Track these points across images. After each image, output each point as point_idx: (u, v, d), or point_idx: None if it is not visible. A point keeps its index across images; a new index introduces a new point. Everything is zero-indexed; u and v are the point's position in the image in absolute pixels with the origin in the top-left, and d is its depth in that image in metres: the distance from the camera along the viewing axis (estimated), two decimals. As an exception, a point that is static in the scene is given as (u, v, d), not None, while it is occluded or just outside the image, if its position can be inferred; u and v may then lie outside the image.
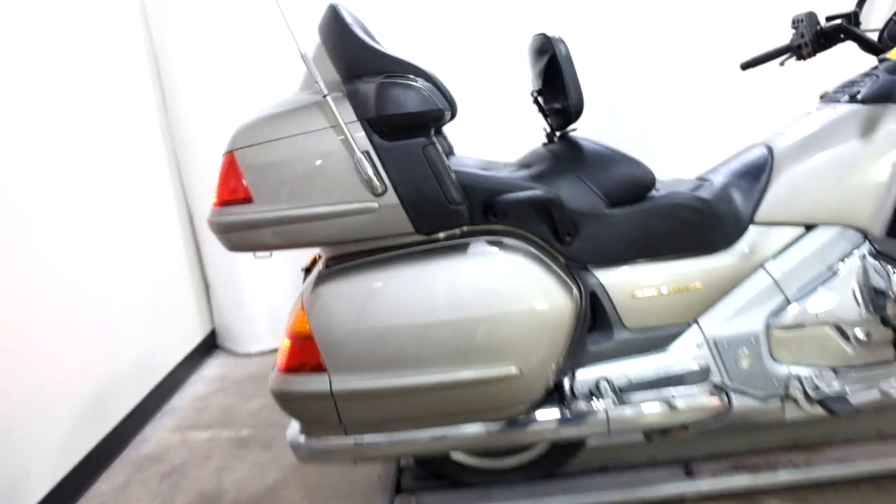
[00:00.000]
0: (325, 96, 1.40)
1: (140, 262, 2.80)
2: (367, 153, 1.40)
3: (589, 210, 1.56)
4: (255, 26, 2.98)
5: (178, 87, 3.06)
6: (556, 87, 1.61)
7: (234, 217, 1.45)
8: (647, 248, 1.58)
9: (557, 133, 1.77)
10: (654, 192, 1.63)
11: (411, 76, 1.44)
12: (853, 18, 1.76)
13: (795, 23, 1.77)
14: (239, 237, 1.46)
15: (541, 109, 1.79)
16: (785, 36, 1.91)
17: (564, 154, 1.66)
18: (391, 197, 1.42)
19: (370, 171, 1.39)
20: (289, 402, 1.55)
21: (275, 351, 3.30)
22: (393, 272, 1.48)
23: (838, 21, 1.73)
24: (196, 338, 3.27)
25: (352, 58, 1.47)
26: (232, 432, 2.55)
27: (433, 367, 1.46)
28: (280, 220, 1.44)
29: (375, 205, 1.42)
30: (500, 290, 1.45)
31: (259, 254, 1.54)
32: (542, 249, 1.56)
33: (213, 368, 3.25)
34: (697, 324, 1.61)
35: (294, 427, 1.67)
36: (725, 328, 1.59)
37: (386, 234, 1.47)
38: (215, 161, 2.97)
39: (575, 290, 1.51)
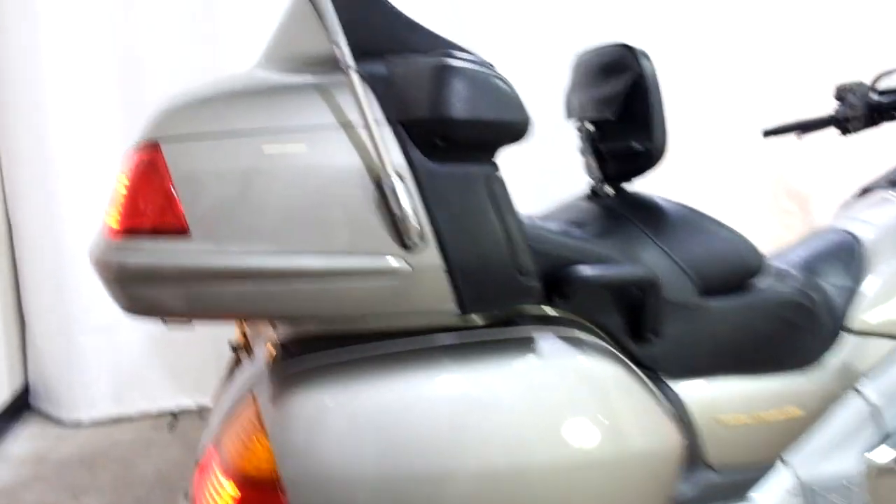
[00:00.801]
0: (348, 69, 0.87)
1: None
2: (399, 176, 0.88)
3: (680, 299, 1.17)
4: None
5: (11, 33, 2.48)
6: (632, 121, 1.24)
7: (153, 259, 0.87)
8: (737, 357, 1.24)
9: (607, 184, 1.36)
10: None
11: (483, 65, 0.95)
12: None
13: (842, 92, 1.58)
14: (153, 293, 0.88)
15: (594, 149, 1.36)
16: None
17: (633, 215, 1.27)
18: (431, 253, 0.90)
19: (407, 207, 0.87)
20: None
21: (118, 422, 2.62)
22: (425, 377, 0.95)
23: None
24: (-1, 396, 2.61)
25: (378, 26, 0.98)
26: (53, 552, 1.93)
27: None
28: (235, 273, 0.87)
29: (406, 266, 0.89)
30: (594, 419, 0.99)
31: (173, 322, 0.96)
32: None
33: (22, 442, 2.58)
34: (785, 462, 1.29)
35: None
36: (818, 469, 1.30)
37: (409, 309, 0.95)
38: (60, 142, 2.45)
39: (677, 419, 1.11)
